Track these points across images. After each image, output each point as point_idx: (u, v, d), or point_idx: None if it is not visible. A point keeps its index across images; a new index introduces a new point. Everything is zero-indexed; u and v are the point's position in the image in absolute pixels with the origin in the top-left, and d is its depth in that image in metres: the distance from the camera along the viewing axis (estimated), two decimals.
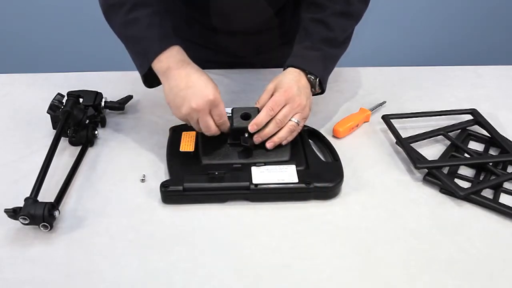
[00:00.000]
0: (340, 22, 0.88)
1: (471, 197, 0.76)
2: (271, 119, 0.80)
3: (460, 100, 1.02)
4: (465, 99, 1.02)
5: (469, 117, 0.94)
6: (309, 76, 0.85)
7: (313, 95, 0.87)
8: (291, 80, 0.83)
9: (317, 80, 0.86)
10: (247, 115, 0.81)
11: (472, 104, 0.99)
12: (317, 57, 0.86)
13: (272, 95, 0.82)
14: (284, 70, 0.87)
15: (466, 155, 0.86)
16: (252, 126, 0.80)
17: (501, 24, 2.45)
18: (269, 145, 0.81)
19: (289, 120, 0.81)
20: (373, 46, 2.34)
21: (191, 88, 0.77)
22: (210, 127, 0.79)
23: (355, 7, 0.89)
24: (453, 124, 0.92)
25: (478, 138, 0.91)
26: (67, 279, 0.66)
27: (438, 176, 0.79)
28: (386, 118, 0.92)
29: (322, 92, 0.89)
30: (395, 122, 0.91)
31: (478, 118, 0.92)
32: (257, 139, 0.81)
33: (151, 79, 0.84)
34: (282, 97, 0.80)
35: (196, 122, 0.80)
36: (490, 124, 0.90)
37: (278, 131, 0.81)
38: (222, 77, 1.06)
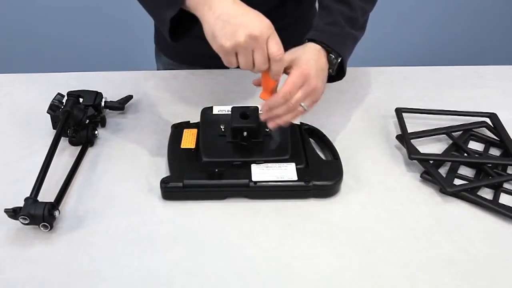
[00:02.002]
0: (361, 3, 0.86)
1: (471, 197, 0.77)
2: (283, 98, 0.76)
3: (460, 100, 1.02)
4: (465, 99, 1.02)
5: (476, 119, 0.93)
6: (330, 55, 0.81)
7: (329, 79, 0.83)
8: (310, 59, 0.78)
9: (338, 60, 0.82)
10: (246, 115, 0.81)
11: (472, 104, 0.99)
12: (340, 34, 0.82)
13: (285, 69, 0.77)
14: (303, 43, 0.82)
15: (466, 155, 0.86)
16: (265, 107, 0.76)
17: (501, 24, 2.45)
18: (271, 124, 0.78)
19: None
20: (373, 46, 2.34)
21: (246, 15, 0.69)
22: (265, 60, 0.70)
23: None
24: (458, 125, 0.92)
25: (479, 139, 0.90)
26: (67, 279, 0.66)
27: (432, 172, 0.79)
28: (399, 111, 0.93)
29: (341, 76, 0.85)
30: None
31: (495, 124, 0.91)
32: (264, 116, 0.77)
33: (175, 29, 0.77)
34: (300, 79, 0.75)
35: (246, 56, 0.69)
36: (506, 132, 0.89)
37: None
38: (222, 77, 1.06)
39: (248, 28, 0.67)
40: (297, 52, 0.79)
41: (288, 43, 0.89)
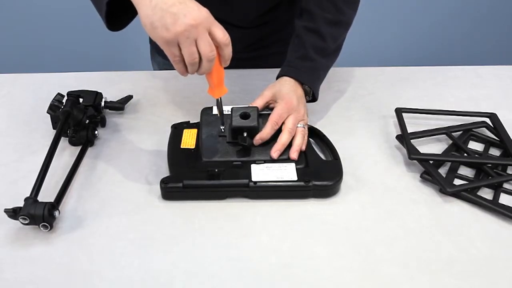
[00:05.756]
0: (332, 31, 0.90)
1: (471, 197, 0.77)
2: (283, 131, 0.82)
3: (460, 100, 1.02)
4: (465, 99, 1.02)
5: (476, 119, 0.93)
6: (304, 85, 0.88)
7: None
8: (290, 91, 0.85)
9: (311, 90, 0.89)
10: (246, 115, 0.81)
11: (472, 104, 0.99)
12: (310, 68, 0.89)
13: (267, 102, 0.85)
14: (278, 77, 0.89)
15: (466, 155, 0.86)
16: (257, 141, 0.81)
17: (501, 24, 2.45)
18: (295, 155, 0.81)
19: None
20: (373, 46, 2.35)
21: (184, 4, 0.67)
22: (211, 47, 0.69)
23: (346, 16, 0.91)
24: (458, 125, 0.92)
25: (479, 139, 0.90)
26: (67, 279, 0.66)
27: (432, 172, 0.79)
28: (399, 112, 0.93)
29: (314, 100, 0.92)
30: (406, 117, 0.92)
31: (495, 124, 0.91)
32: (276, 153, 0.80)
33: (114, 18, 0.77)
34: (284, 110, 0.83)
35: (189, 45, 0.68)
36: (506, 132, 0.89)
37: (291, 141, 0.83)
38: None
39: (188, 16, 0.66)
40: (276, 87, 0.86)
41: (280, 44, 0.90)
